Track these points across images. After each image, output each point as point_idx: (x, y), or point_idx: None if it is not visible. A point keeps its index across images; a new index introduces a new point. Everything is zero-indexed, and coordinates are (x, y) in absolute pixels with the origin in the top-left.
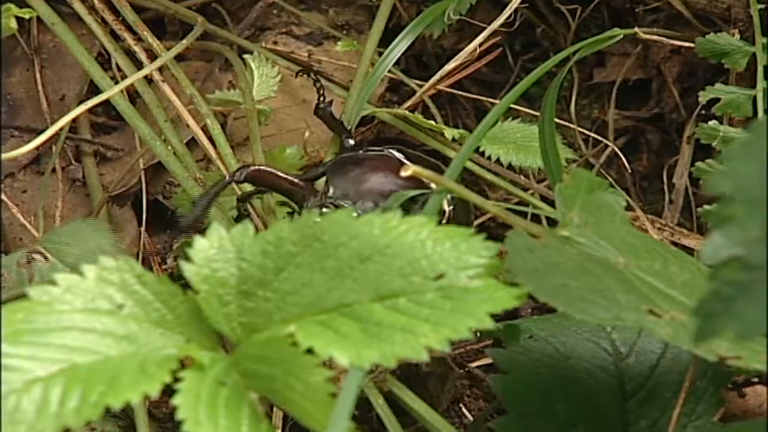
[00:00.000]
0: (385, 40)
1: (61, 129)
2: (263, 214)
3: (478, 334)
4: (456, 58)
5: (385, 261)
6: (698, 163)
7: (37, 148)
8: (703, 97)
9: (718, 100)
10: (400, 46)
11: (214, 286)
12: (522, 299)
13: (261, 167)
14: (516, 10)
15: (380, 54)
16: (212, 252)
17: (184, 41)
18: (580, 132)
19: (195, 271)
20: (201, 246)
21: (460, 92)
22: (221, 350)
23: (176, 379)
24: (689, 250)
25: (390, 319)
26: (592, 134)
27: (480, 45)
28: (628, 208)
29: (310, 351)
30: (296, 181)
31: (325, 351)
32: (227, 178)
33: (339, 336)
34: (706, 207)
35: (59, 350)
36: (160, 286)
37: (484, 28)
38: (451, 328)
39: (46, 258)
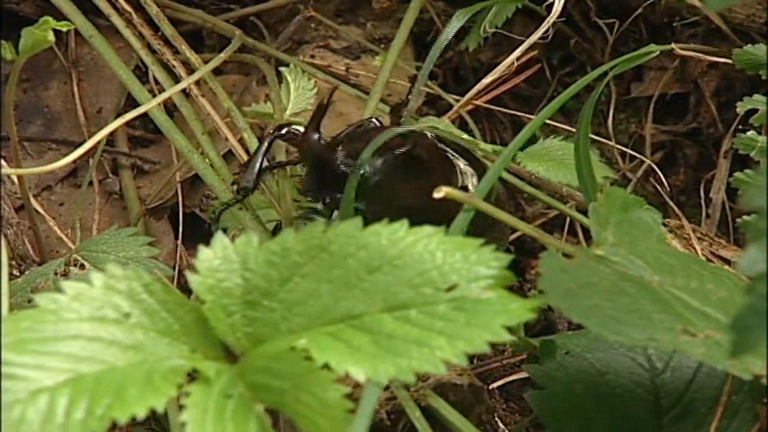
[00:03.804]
0: (424, 54)
1: (98, 142)
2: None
3: (512, 349)
4: (493, 72)
5: (394, 272)
6: (737, 174)
7: (74, 161)
8: (741, 108)
9: (755, 113)
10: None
11: (219, 297)
12: (536, 311)
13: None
14: (553, 24)
15: (417, 68)
16: (217, 262)
17: (222, 54)
18: (616, 147)
19: (200, 281)
20: (205, 256)
21: (497, 108)
22: (226, 361)
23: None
24: (727, 262)
25: (402, 331)
26: (629, 150)
27: (517, 59)
28: (670, 216)
29: (324, 366)
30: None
31: (340, 366)
32: (272, 133)
33: (352, 349)
34: (745, 217)
35: (66, 359)
36: (167, 296)
37: (522, 42)
38: (467, 342)
39: (82, 266)
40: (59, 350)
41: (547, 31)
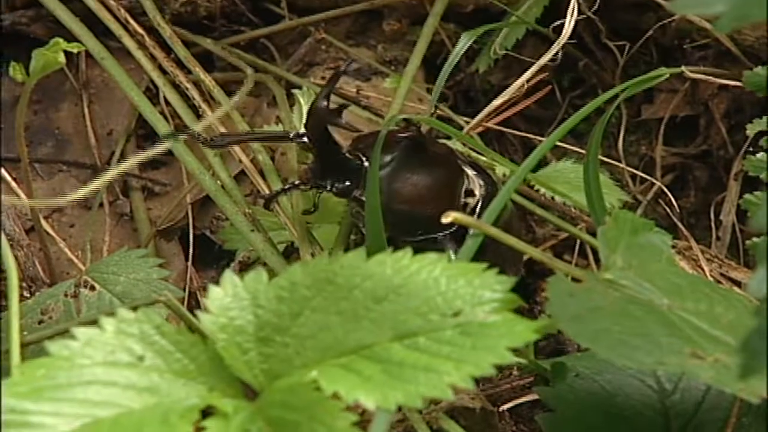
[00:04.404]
0: (434, 76)
1: (108, 164)
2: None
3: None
4: (503, 94)
5: (400, 300)
6: (746, 196)
7: (84, 182)
8: (751, 129)
9: (766, 134)
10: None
11: (233, 335)
12: (541, 332)
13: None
14: (564, 46)
15: (428, 90)
16: (228, 300)
17: (236, 97)
18: (627, 169)
19: (212, 320)
20: (216, 294)
21: (507, 129)
22: (244, 398)
23: (200, 429)
24: (737, 284)
25: (411, 358)
26: (639, 173)
27: (527, 81)
28: (679, 238)
29: (334, 396)
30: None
31: (350, 395)
32: (290, 135)
33: (362, 379)
34: (754, 239)
35: (81, 405)
36: (180, 336)
37: (531, 64)
38: (474, 365)
39: (93, 288)
40: (75, 396)
41: (557, 53)
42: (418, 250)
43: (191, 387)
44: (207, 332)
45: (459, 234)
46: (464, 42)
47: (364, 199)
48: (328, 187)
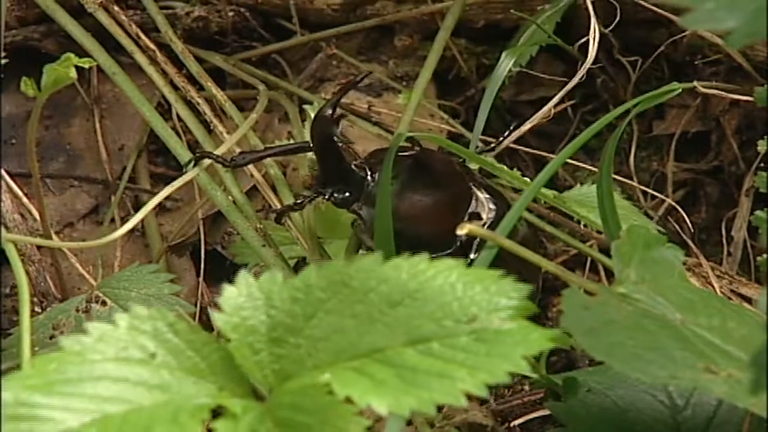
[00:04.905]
0: (446, 92)
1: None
2: (303, 231)
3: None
4: (531, 120)
5: (415, 305)
6: (757, 212)
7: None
8: (762, 145)
9: None
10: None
11: (245, 334)
12: (556, 341)
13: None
14: (577, 62)
15: (439, 106)
16: (241, 300)
17: (254, 114)
18: (638, 186)
19: (225, 319)
20: (230, 294)
21: (519, 146)
22: (254, 398)
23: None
24: (748, 300)
25: (425, 364)
26: (650, 190)
27: (543, 99)
28: (690, 255)
29: (347, 399)
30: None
31: (363, 399)
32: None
33: (375, 383)
34: (765, 255)
35: (92, 400)
36: (193, 335)
37: (543, 79)
38: (488, 372)
39: (104, 303)
40: (85, 391)
41: (575, 73)
42: None
43: (201, 385)
44: (219, 331)
45: (457, 255)
46: (507, 62)
47: (361, 212)
48: (328, 196)
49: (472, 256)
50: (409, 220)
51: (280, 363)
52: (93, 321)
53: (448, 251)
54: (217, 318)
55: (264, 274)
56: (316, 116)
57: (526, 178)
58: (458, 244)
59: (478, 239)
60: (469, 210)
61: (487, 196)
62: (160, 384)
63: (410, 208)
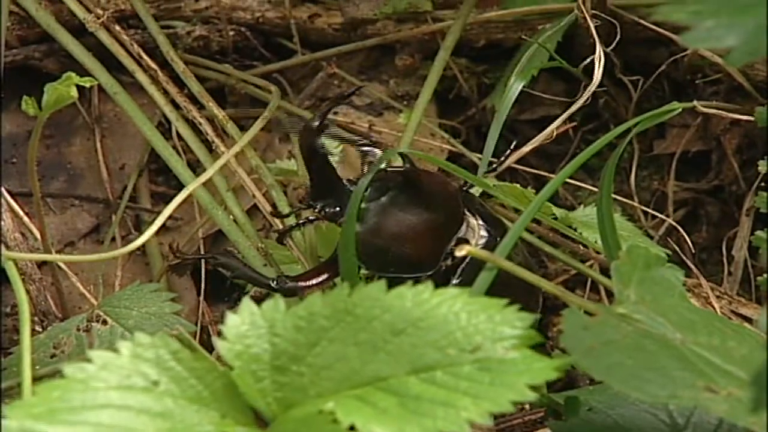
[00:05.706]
0: (446, 111)
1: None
2: (304, 251)
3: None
4: (533, 141)
5: (419, 334)
6: (757, 232)
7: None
8: (763, 165)
9: None
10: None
11: (248, 362)
12: (561, 370)
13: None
14: (577, 80)
15: (440, 125)
16: (244, 328)
17: (267, 112)
18: (638, 207)
19: (228, 347)
20: (233, 322)
21: (519, 166)
22: (257, 426)
23: None
24: (748, 320)
25: (428, 392)
26: (650, 210)
27: (544, 119)
28: (690, 275)
29: (350, 428)
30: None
31: (366, 427)
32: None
33: (378, 411)
34: (766, 275)
35: (95, 428)
36: (196, 363)
37: (544, 99)
38: (492, 401)
39: (105, 322)
40: (88, 419)
41: (576, 92)
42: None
43: (204, 413)
44: (222, 359)
45: (439, 279)
46: (518, 85)
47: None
48: (318, 209)
49: (454, 281)
50: (392, 237)
51: (283, 391)
52: (94, 340)
53: (430, 273)
54: (220, 346)
55: (267, 301)
56: (302, 128)
57: (530, 189)
58: (442, 267)
59: (463, 264)
60: (458, 235)
61: (481, 223)
62: (163, 412)
63: (394, 225)
